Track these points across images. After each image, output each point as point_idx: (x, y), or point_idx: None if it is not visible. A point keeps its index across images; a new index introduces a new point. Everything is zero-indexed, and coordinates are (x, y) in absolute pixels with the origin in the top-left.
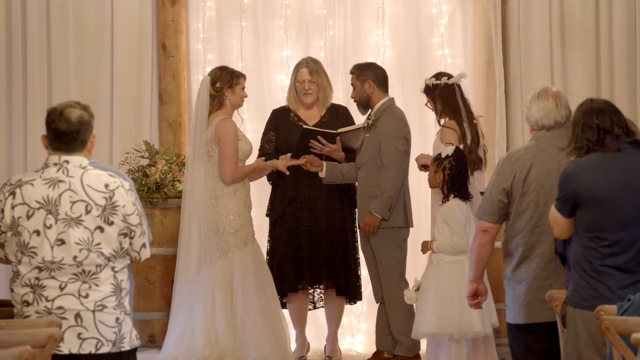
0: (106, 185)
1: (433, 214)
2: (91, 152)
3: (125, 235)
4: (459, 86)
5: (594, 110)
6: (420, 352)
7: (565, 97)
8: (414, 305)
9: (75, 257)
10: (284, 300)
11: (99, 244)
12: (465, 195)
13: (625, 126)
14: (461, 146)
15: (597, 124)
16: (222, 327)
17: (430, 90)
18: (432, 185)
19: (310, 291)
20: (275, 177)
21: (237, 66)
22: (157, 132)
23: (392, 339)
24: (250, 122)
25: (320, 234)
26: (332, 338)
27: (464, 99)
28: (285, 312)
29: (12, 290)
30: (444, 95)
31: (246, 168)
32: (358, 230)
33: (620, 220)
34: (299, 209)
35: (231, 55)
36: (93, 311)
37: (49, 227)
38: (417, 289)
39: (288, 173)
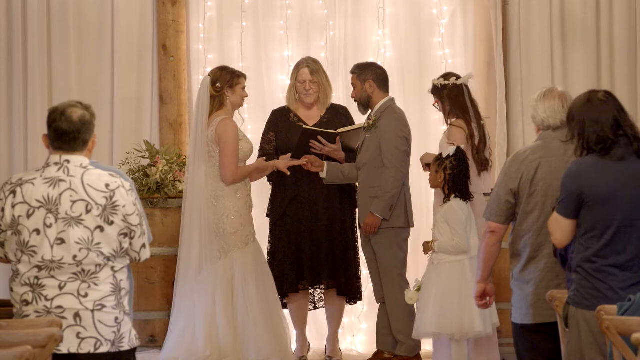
0: (107, 185)
1: (435, 215)
2: (92, 152)
3: (125, 235)
4: (467, 87)
5: (593, 110)
6: (421, 352)
7: (571, 97)
8: (415, 305)
9: (75, 257)
10: (285, 301)
11: (98, 243)
12: (466, 195)
13: (631, 131)
14: (465, 146)
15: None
16: (222, 327)
17: (438, 91)
18: (433, 185)
19: (311, 291)
20: (275, 178)
21: (237, 66)
22: (157, 132)
23: (392, 339)
24: (251, 122)
25: (321, 234)
26: (333, 338)
27: (472, 100)
28: (286, 312)
29: (11, 290)
30: (453, 95)
31: (247, 168)
32: (358, 230)
33: (622, 218)
34: (299, 209)
35: (232, 55)
36: (92, 311)
37: (49, 226)
38: (418, 289)
39: (289, 173)
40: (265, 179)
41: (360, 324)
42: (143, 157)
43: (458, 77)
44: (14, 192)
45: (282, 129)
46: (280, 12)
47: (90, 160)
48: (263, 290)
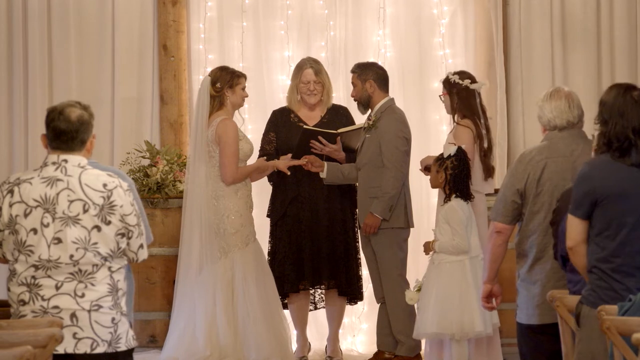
0: (104, 185)
1: (438, 215)
2: (91, 152)
3: (122, 235)
4: (479, 93)
5: (625, 104)
6: (422, 352)
7: (578, 97)
8: (415, 305)
9: (71, 256)
10: (285, 301)
11: (95, 243)
12: (467, 195)
13: None
14: (473, 146)
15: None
16: (223, 327)
17: (450, 86)
18: (434, 185)
19: (311, 292)
20: (276, 178)
21: (238, 66)
22: (158, 132)
23: (393, 339)
24: (251, 122)
25: (321, 235)
26: (333, 338)
27: (482, 106)
28: (286, 312)
29: (8, 290)
30: (463, 96)
31: (247, 168)
32: (359, 230)
33: (636, 216)
34: (300, 210)
35: (232, 55)
36: (89, 311)
37: (46, 226)
38: (419, 290)
39: (289, 173)
40: (265, 179)
41: (360, 324)
42: (143, 157)
43: (473, 81)
44: (11, 192)
45: (283, 129)
46: (281, 12)
47: (89, 160)
48: (263, 290)
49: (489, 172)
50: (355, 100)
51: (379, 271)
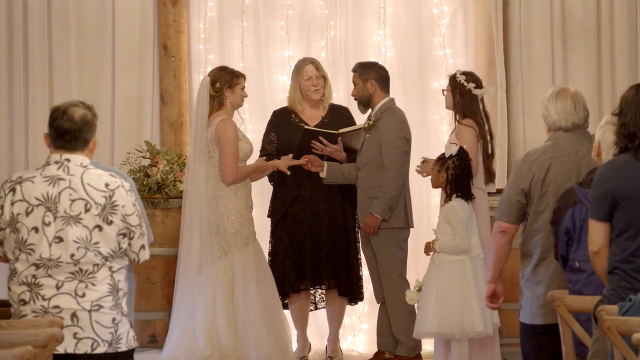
0: (106, 185)
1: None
2: (93, 152)
3: (124, 235)
4: (482, 99)
5: None
6: (422, 352)
7: (583, 98)
8: (415, 305)
9: (72, 255)
10: (286, 301)
11: (97, 243)
12: (468, 196)
13: None
14: (476, 146)
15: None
16: (223, 327)
17: (455, 85)
18: (435, 185)
19: (312, 292)
20: (276, 178)
21: (238, 66)
22: (158, 132)
23: (393, 339)
24: (252, 123)
25: (322, 235)
26: (334, 338)
27: (485, 111)
28: (287, 312)
29: (9, 289)
30: (466, 98)
31: (247, 168)
32: (359, 230)
33: None
34: (300, 210)
35: (232, 55)
36: (89, 311)
37: (48, 225)
38: (419, 290)
39: (289, 173)
40: (266, 179)
41: (360, 324)
42: (144, 157)
43: (478, 86)
44: (13, 190)
45: (284, 129)
46: (281, 12)
47: (91, 160)
48: (263, 290)
49: (490, 176)
50: (355, 99)
51: (379, 271)
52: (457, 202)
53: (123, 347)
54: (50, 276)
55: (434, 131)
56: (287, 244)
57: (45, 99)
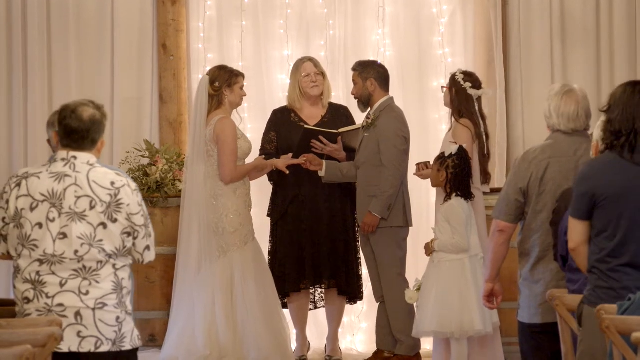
0: (112, 183)
1: (437, 214)
2: (101, 152)
3: (128, 234)
4: (478, 100)
5: (632, 98)
6: (421, 351)
7: (588, 101)
8: (415, 304)
9: (76, 252)
10: (285, 300)
11: (101, 240)
12: (467, 195)
13: None
14: (472, 145)
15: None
16: (222, 327)
17: (453, 83)
18: (435, 184)
19: (312, 291)
20: (276, 177)
21: (237, 65)
22: (157, 131)
23: (392, 338)
24: (251, 122)
25: (322, 234)
26: (333, 337)
27: (481, 113)
28: (286, 311)
29: (14, 287)
30: (463, 98)
31: (246, 167)
32: (358, 229)
33: (634, 216)
34: (300, 209)
35: (232, 54)
36: (93, 309)
37: (52, 221)
38: (418, 289)
39: (288, 172)
40: (266, 178)
41: (360, 323)
42: (143, 156)
43: (475, 86)
44: (19, 185)
45: (283, 128)
46: (280, 12)
47: (98, 160)
48: (262, 289)
49: (486, 177)
50: (355, 98)
51: (378, 270)
52: (456, 201)
53: (127, 346)
54: (53, 273)
55: (433, 130)
56: (287, 243)
57: (45, 98)
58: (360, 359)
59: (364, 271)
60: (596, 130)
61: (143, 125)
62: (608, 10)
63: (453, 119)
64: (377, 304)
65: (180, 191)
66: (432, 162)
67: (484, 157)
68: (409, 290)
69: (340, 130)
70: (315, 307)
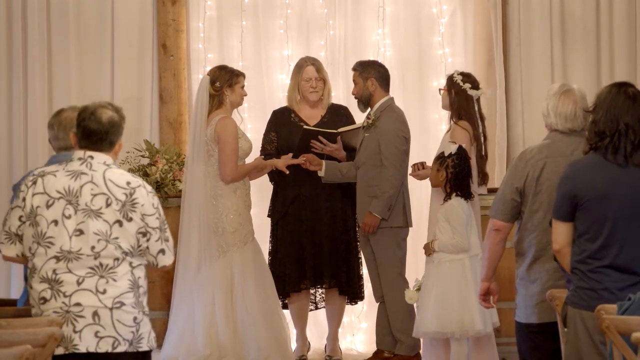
0: (128, 183)
1: (432, 214)
2: (118, 154)
3: (143, 234)
4: (477, 101)
5: (615, 99)
6: (421, 352)
7: (586, 102)
8: (415, 304)
9: (93, 248)
10: (286, 301)
11: (116, 237)
12: (467, 194)
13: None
14: (469, 147)
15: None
16: (222, 326)
17: (452, 84)
18: (434, 184)
19: (312, 291)
20: (276, 177)
21: (237, 65)
22: (157, 131)
23: (392, 338)
24: (251, 122)
25: (323, 234)
26: (333, 337)
27: (480, 113)
28: (286, 311)
29: (30, 287)
30: (462, 99)
31: (246, 167)
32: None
33: (616, 219)
34: (301, 209)
35: (232, 54)
36: (111, 309)
37: (68, 217)
38: (418, 289)
39: (288, 172)
40: (266, 178)
41: (360, 323)
42: (143, 156)
43: (474, 87)
44: (34, 183)
45: (283, 129)
46: (280, 12)
47: (114, 162)
48: (262, 289)
49: (483, 178)
50: (356, 98)
51: (378, 270)
52: (456, 201)
53: (144, 347)
54: (70, 271)
55: (433, 130)
56: (288, 243)
57: (45, 98)
58: (360, 359)
59: (365, 271)
60: None
61: (143, 125)
62: (608, 10)
63: (452, 121)
64: (377, 304)
65: (180, 191)
66: (428, 163)
67: (482, 159)
68: (409, 290)
69: (340, 130)
70: (316, 308)
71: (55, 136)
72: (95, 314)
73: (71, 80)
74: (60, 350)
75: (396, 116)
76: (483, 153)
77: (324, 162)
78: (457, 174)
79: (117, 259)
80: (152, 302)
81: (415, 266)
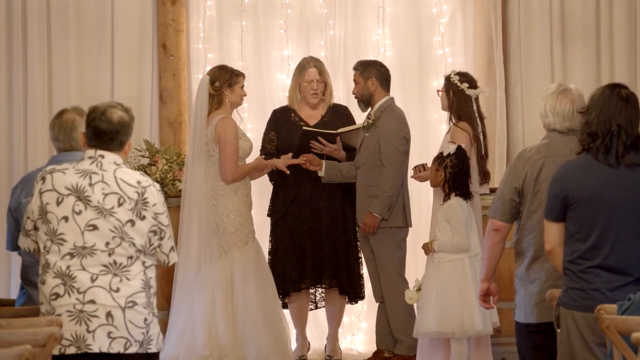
0: (138, 182)
1: (434, 214)
2: (127, 154)
3: (155, 233)
4: (476, 99)
5: (608, 101)
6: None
7: (583, 101)
8: (415, 304)
9: (107, 244)
10: (286, 300)
11: (131, 236)
12: (466, 194)
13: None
14: (469, 148)
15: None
16: (222, 327)
17: (449, 85)
18: (433, 183)
19: (312, 291)
20: (276, 177)
21: (237, 65)
22: (157, 131)
23: (392, 338)
24: (251, 122)
25: (322, 234)
26: (333, 337)
27: (479, 112)
28: (286, 311)
29: (42, 283)
30: (460, 98)
31: (246, 166)
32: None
33: (607, 220)
34: (301, 209)
35: (231, 54)
36: (124, 308)
37: (78, 213)
38: (418, 289)
39: (288, 172)
40: (266, 178)
41: (360, 323)
42: (143, 156)
43: (472, 86)
44: (43, 179)
45: (283, 128)
46: (280, 12)
47: (124, 162)
48: (263, 289)
49: (485, 177)
50: (356, 97)
51: (377, 270)
52: (456, 201)
53: (153, 349)
54: (84, 269)
55: (433, 130)
56: (288, 243)
57: (45, 98)
58: (360, 359)
59: (365, 271)
60: None
61: (143, 125)
62: (608, 10)
63: (451, 122)
64: (377, 304)
65: (180, 191)
66: (429, 164)
67: (482, 159)
68: (409, 291)
69: (339, 130)
70: (316, 307)
71: (56, 137)
72: (109, 314)
73: (71, 80)
74: (72, 350)
75: (396, 116)
76: (483, 152)
77: (324, 162)
78: (455, 174)
79: (131, 257)
80: None
81: (415, 266)
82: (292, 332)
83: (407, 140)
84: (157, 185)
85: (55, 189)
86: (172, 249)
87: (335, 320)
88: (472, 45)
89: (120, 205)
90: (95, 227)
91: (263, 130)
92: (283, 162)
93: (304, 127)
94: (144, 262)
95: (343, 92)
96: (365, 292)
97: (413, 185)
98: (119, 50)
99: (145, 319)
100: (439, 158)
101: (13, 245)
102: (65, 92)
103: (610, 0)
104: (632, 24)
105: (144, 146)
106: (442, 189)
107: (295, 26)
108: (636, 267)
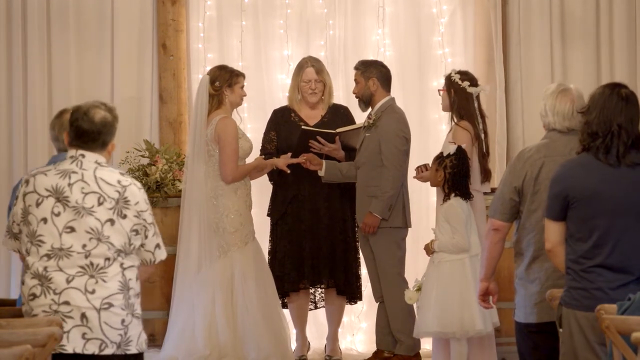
0: (118, 181)
1: (438, 214)
2: (111, 154)
3: (137, 232)
4: (477, 97)
5: (609, 100)
6: (421, 351)
7: (583, 101)
8: (415, 304)
9: (84, 246)
10: (285, 300)
11: (108, 236)
12: (466, 194)
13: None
14: (470, 147)
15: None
16: (222, 326)
17: (450, 84)
18: (433, 184)
19: (312, 291)
20: (276, 177)
21: (237, 65)
22: (157, 131)
23: (392, 338)
24: (251, 122)
25: (321, 234)
26: (333, 337)
27: (481, 111)
28: (286, 311)
29: (22, 283)
30: (461, 96)
31: (246, 166)
32: (358, 229)
33: (608, 219)
34: (300, 209)
35: (231, 54)
36: (99, 310)
37: (57, 215)
38: (418, 289)
39: (289, 171)
40: (266, 178)
41: (359, 323)
42: (143, 156)
43: (473, 84)
44: (27, 182)
45: (283, 128)
46: (280, 11)
47: (106, 161)
48: (263, 289)
49: (486, 175)
50: (357, 97)
51: (377, 270)
52: (455, 201)
53: (133, 350)
54: (60, 270)
55: (433, 130)
56: (287, 242)
57: (45, 98)
58: (360, 359)
59: (364, 271)
60: None
61: (143, 125)
62: (608, 10)
63: (453, 122)
64: (377, 304)
65: (180, 191)
66: (430, 164)
67: (484, 157)
68: (409, 291)
69: (338, 130)
70: (316, 307)
71: (56, 137)
72: (83, 315)
73: (71, 80)
74: None
75: (397, 116)
76: (484, 151)
77: (324, 161)
78: (454, 174)
79: (108, 259)
80: (152, 302)
81: (415, 266)
82: (292, 332)
83: (407, 140)
84: (138, 184)
85: (36, 191)
86: (157, 246)
87: (334, 321)
88: (472, 45)
89: (100, 204)
90: (72, 229)
91: (263, 130)
92: (283, 161)
93: (303, 127)
94: (122, 264)
95: (343, 92)
96: (365, 292)
97: (413, 185)
98: (119, 50)
99: (123, 320)
100: (439, 158)
101: None
102: (65, 92)
103: (611, 0)
104: (632, 24)
105: (144, 146)
106: (441, 189)
107: (295, 26)
108: (637, 266)
